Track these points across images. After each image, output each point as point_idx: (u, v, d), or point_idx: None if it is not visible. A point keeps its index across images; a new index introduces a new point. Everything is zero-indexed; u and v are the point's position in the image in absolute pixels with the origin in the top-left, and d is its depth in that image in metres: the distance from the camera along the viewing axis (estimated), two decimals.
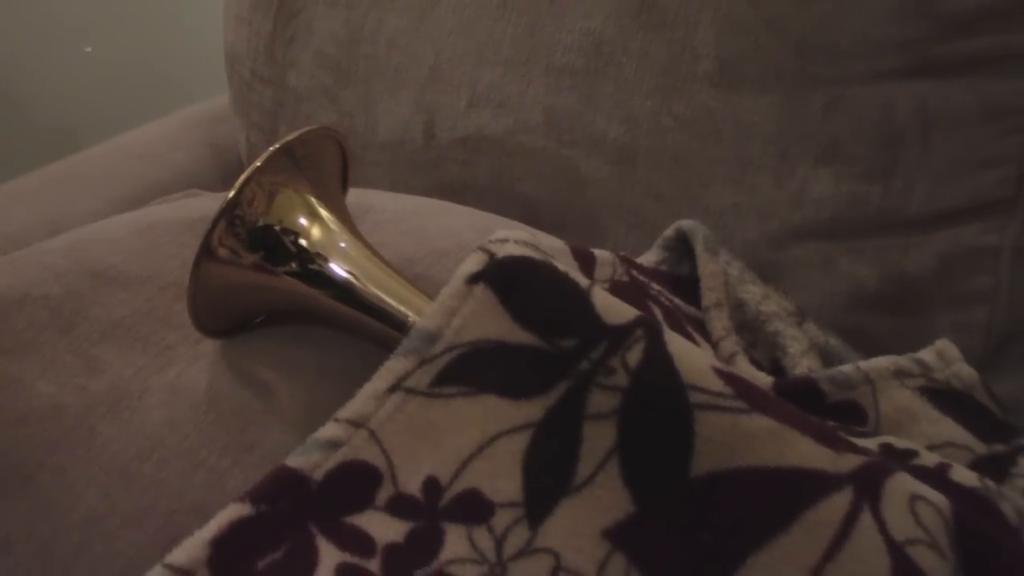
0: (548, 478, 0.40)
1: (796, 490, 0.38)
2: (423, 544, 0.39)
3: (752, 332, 0.57)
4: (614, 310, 0.42)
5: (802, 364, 0.55)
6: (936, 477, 0.42)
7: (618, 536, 0.39)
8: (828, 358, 0.57)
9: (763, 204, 0.62)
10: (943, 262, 0.60)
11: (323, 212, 0.44)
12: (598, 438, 0.40)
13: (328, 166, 0.47)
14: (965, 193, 0.59)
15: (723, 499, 0.38)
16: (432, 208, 0.57)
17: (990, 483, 0.42)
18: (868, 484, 0.38)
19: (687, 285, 0.59)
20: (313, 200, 0.44)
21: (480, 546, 0.39)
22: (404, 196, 0.59)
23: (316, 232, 0.44)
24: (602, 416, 0.40)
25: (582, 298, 0.42)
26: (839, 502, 0.38)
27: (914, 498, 0.38)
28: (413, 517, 0.39)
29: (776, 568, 0.37)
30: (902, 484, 0.39)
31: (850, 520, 0.37)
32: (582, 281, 0.43)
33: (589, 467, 0.40)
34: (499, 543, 0.39)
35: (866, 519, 0.37)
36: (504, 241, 0.44)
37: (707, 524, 0.38)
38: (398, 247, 0.51)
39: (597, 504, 0.40)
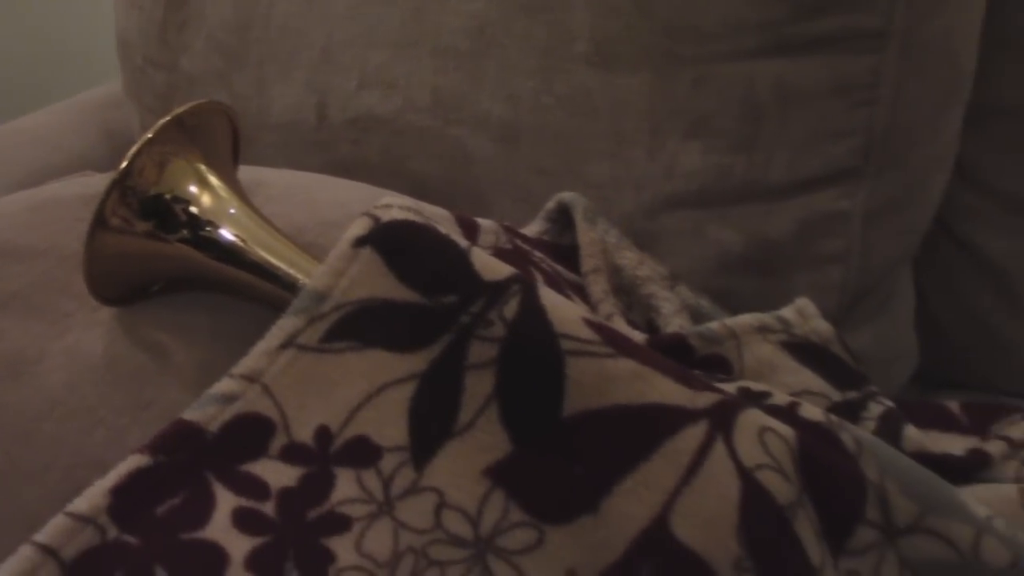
0: (432, 424, 0.43)
1: (656, 424, 0.42)
2: (315, 487, 0.42)
3: (628, 295, 0.61)
4: (492, 268, 0.45)
5: (674, 323, 0.59)
6: (786, 413, 0.46)
7: (497, 474, 0.42)
8: (698, 317, 0.62)
9: (638, 177, 0.66)
10: (801, 227, 0.65)
11: (213, 180, 0.47)
12: (478, 385, 0.43)
13: (219, 138, 0.49)
14: (820, 162, 0.64)
15: (592, 435, 0.42)
16: (322, 182, 0.59)
17: (833, 417, 0.47)
18: (722, 418, 0.42)
19: (568, 254, 0.62)
20: (203, 169, 0.46)
21: (369, 487, 0.42)
22: (295, 172, 0.61)
23: (207, 200, 0.46)
24: (482, 365, 0.43)
25: (462, 257, 0.45)
26: (695, 433, 0.42)
27: (763, 430, 0.42)
28: (305, 463, 0.42)
29: (639, 492, 0.40)
30: (753, 418, 0.43)
31: (704, 449, 0.41)
32: (462, 242, 0.46)
33: (470, 412, 0.43)
34: (387, 484, 0.42)
35: (719, 448, 0.41)
36: (389, 207, 0.47)
37: (578, 458, 0.42)
38: (289, 218, 0.53)
39: (478, 446, 0.43)
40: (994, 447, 0.54)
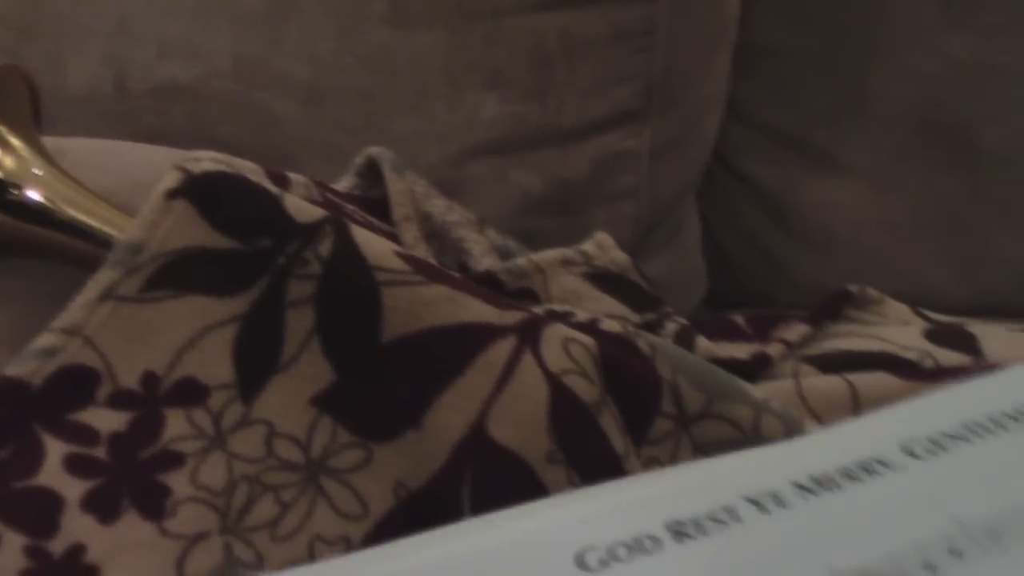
0: (257, 361, 0.45)
1: (469, 340, 0.45)
2: (145, 428, 0.43)
3: (440, 240, 0.64)
4: (304, 211, 0.47)
5: (484, 263, 0.63)
6: (588, 327, 0.51)
7: (323, 402, 0.45)
8: (507, 257, 0.65)
9: (441, 129, 0.69)
10: (595, 167, 0.70)
11: (15, 142, 0.46)
12: (299, 321, 0.45)
13: (17, 102, 0.49)
14: (607, 106, 0.69)
15: (410, 356, 0.45)
16: (128, 147, 0.60)
17: (630, 327, 0.51)
18: (529, 332, 0.46)
19: (379, 206, 0.65)
20: (3, 131, 0.46)
21: (199, 424, 0.43)
22: (99, 140, 0.61)
23: (10, 162, 0.46)
24: (301, 302, 0.45)
25: (275, 202, 0.47)
26: (504, 346, 0.45)
27: (567, 340, 0.46)
28: (133, 407, 0.43)
29: (457, 404, 0.44)
30: (557, 330, 0.47)
31: (514, 360, 0.45)
32: (273, 189, 0.48)
33: (293, 347, 0.45)
34: (217, 419, 0.44)
35: (527, 358, 0.45)
36: (199, 159, 0.48)
37: (398, 379, 0.45)
38: (98, 182, 0.53)
39: (303, 378, 0.45)
40: (773, 349, 0.60)
